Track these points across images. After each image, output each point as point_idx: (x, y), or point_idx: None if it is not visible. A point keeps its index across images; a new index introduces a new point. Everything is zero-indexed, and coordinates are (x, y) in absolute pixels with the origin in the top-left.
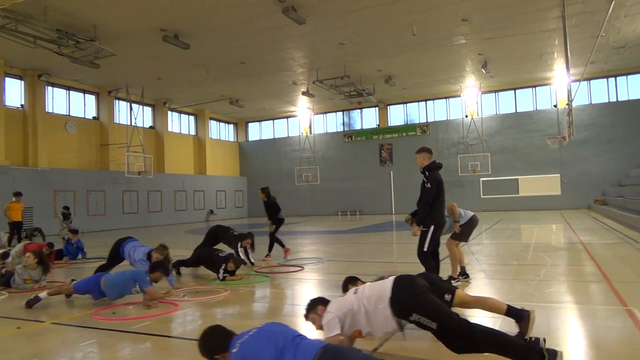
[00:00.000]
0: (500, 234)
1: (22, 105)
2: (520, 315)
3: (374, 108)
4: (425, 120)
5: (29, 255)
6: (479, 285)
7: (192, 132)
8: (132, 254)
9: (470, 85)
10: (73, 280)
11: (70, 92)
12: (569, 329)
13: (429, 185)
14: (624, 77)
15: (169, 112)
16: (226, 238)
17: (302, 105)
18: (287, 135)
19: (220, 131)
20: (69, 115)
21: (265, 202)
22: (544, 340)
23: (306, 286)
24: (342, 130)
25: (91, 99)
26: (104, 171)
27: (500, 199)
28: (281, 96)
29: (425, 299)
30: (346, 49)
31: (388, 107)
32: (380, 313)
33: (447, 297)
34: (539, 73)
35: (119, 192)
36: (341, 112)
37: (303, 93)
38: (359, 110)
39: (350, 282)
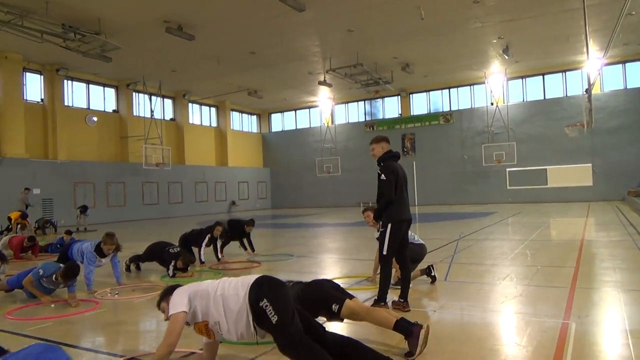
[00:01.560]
0: (503, 229)
1: (42, 99)
2: (409, 331)
3: (395, 97)
4: (448, 109)
5: None
6: (424, 289)
7: (214, 124)
8: (81, 249)
9: (495, 71)
10: (8, 276)
11: (90, 85)
12: (474, 346)
13: (383, 177)
14: None
15: (189, 104)
16: (195, 237)
17: (323, 95)
18: (309, 126)
19: (243, 122)
20: (89, 108)
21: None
22: None
23: None
24: (363, 120)
25: (111, 92)
26: (123, 163)
27: (528, 191)
28: (299, 86)
29: (280, 292)
30: (355, 36)
31: (410, 95)
32: (237, 298)
33: (335, 307)
34: (568, 57)
35: (138, 184)
36: (362, 102)
37: (320, 83)
38: (380, 100)
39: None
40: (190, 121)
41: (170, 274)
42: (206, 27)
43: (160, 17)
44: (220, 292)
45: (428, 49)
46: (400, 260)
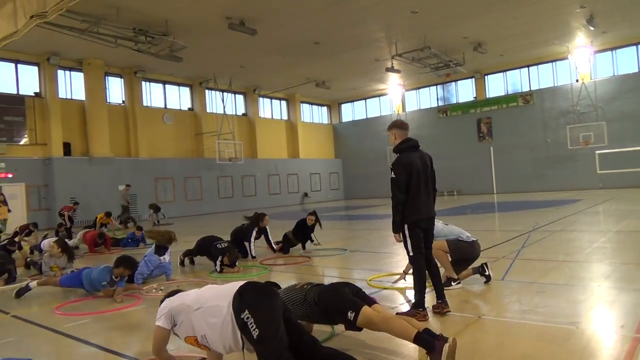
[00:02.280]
0: (586, 218)
1: (123, 101)
2: (432, 346)
3: (469, 79)
4: (528, 89)
5: (53, 244)
6: (475, 290)
7: (285, 117)
8: (143, 260)
9: (580, 44)
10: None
11: (166, 86)
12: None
13: (393, 175)
14: None
15: (260, 99)
16: (244, 232)
17: (393, 82)
18: (379, 115)
19: (314, 114)
20: (166, 107)
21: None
22: None
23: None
24: (436, 105)
25: (185, 90)
26: (199, 159)
27: (622, 174)
28: (367, 74)
29: (264, 302)
30: (420, 18)
31: (485, 77)
32: (219, 309)
33: (350, 315)
34: None
35: (214, 178)
36: (434, 87)
37: (387, 69)
38: (453, 83)
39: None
40: (261, 115)
41: (218, 269)
42: (267, 20)
43: (222, 13)
44: (201, 305)
45: (501, 26)
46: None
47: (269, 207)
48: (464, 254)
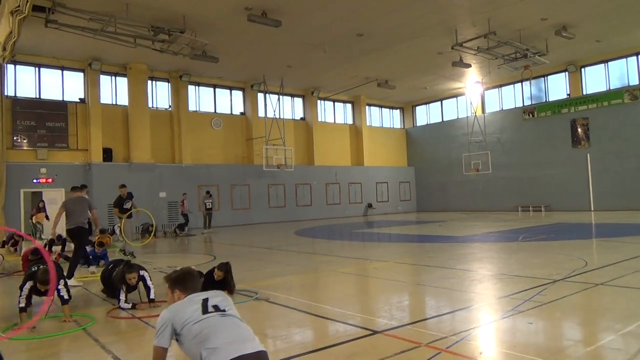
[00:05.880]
0: None
1: (170, 106)
2: None
3: (562, 73)
4: (637, 82)
5: None
6: None
7: (349, 121)
8: None
9: None
10: None
11: (217, 89)
12: None
13: None
14: None
15: (321, 102)
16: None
17: (472, 80)
18: (456, 117)
19: (384, 118)
20: (215, 112)
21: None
22: None
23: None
24: (521, 105)
25: (238, 94)
26: (248, 165)
27: None
28: (432, 70)
29: None
30: None
31: (582, 69)
32: None
33: None
34: None
35: (264, 186)
36: (519, 84)
37: (454, 64)
38: (543, 79)
39: None
40: (321, 119)
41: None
42: (291, 10)
43: (241, 4)
44: None
45: (586, 1)
46: None
47: (327, 218)
48: None
